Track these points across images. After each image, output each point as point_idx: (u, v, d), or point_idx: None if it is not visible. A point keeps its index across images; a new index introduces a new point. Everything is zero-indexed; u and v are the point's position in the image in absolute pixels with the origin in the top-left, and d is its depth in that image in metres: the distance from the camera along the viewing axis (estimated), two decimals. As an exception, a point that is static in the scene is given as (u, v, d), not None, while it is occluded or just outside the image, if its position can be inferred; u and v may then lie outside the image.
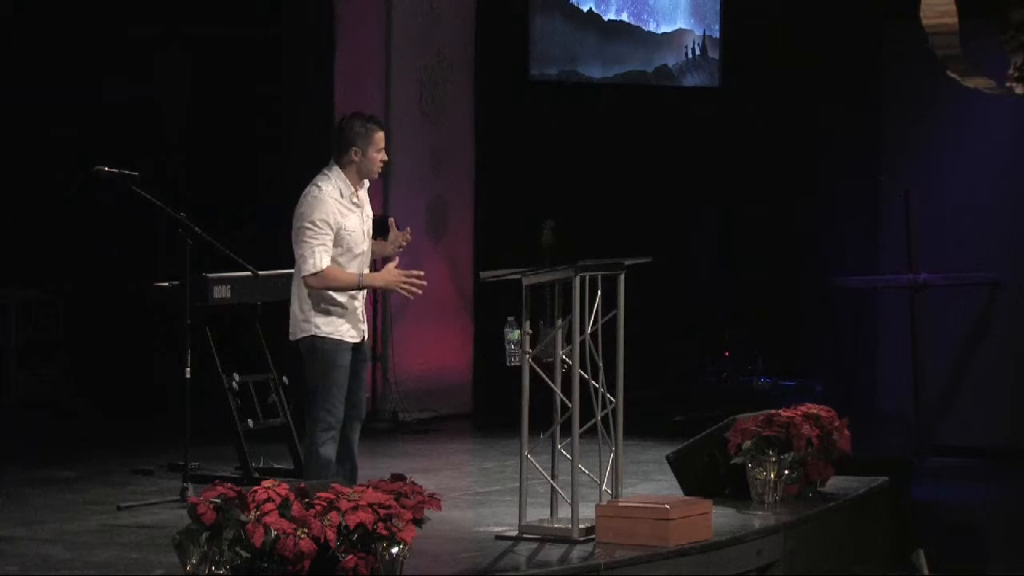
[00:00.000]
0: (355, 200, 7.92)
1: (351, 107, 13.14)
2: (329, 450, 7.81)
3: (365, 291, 7.96)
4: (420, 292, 7.92)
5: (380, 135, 7.95)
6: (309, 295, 7.82)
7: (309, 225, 7.75)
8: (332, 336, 7.82)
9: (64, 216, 12.68)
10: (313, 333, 7.81)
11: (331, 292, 7.81)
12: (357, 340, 7.90)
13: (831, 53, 14.37)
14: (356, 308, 7.89)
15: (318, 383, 7.82)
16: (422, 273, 7.89)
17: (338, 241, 7.81)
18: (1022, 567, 9.62)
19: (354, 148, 7.88)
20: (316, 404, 7.82)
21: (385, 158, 8.00)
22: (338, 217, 7.80)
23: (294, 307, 7.89)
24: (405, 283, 7.85)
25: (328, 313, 7.81)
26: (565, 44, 14.96)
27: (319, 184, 7.86)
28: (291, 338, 7.95)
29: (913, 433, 13.03)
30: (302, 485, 6.19)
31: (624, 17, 15.22)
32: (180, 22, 13.18)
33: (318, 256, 7.71)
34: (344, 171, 7.90)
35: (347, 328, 7.86)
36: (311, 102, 13.33)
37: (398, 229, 11.73)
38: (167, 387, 9.83)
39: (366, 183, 8.04)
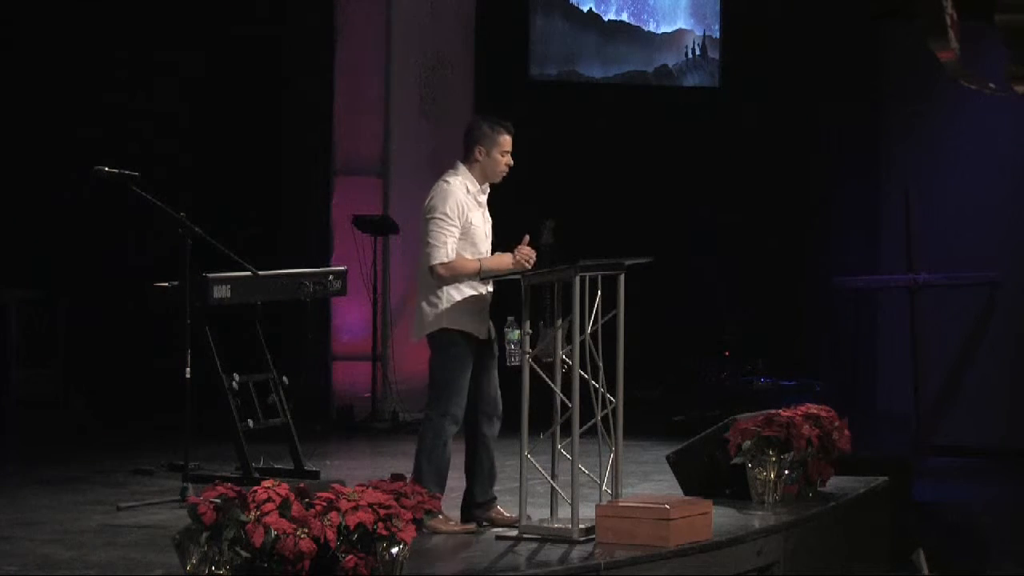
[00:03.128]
0: (479, 199, 7.94)
1: (351, 107, 13.26)
2: (450, 448, 7.82)
3: (491, 290, 7.87)
4: (530, 265, 7.83)
5: (506, 138, 7.92)
6: (437, 289, 7.80)
7: (440, 217, 7.77)
8: (460, 330, 7.81)
9: (64, 216, 12.68)
10: (443, 327, 7.80)
11: (458, 286, 7.79)
12: (483, 336, 7.87)
13: (831, 53, 14.39)
14: (482, 304, 7.87)
15: (445, 377, 7.81)
16: (531, 250, 7.82)
17: (464, 234, 7.83)
18: (1022, 567, 9.62)
19: (479, 147, 7.90)
20: (442, 398, 7.81)
21: (511, 162, 7.95)
22: (465, 210, 7.83)
23: (421, 304, 7.86)
24: (518, 259, 7.78)
25: (456, 307, 7.81)
26: (565, 44, 14.97)
27: (447, 179, 7.91)
28: (415, 337, 7.92)
29: (913, 433, 13.04)
30: (302, 485, 6.19)
31: (624, 17, 15.23)
32: (180, 21, 13.17)
33: (449, 247, 7.75)
34: (470, 170, 7.92)
35: (473, 323, 7.84)
36: (311, 102, 13.34)
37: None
38: (167, 387, 9.82)
39: (487, 187, 8.02)
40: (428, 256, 7.76)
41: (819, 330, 14.84)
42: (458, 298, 7.82)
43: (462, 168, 7.93)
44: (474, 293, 7.82)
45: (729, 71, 15.41)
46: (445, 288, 7.80)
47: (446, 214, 7.78)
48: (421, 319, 7.87)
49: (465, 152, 7.95)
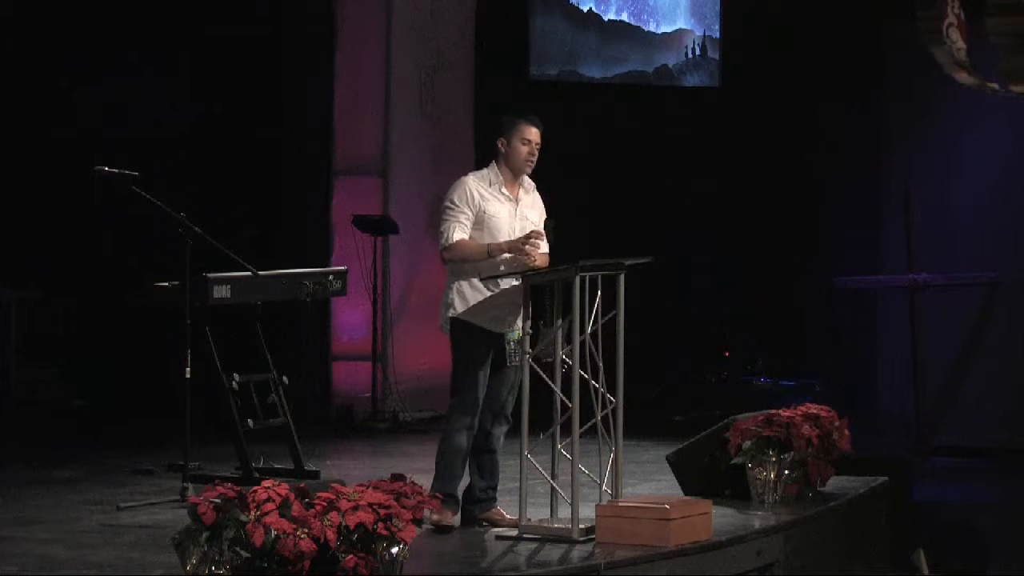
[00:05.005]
0: (505, 191, 7.94)
1: (351, 107, 13.26)
2: (462, 439, 7.84)
3: (520, 285, 7.73)
4: (540, 249, 7.79)
5: (528, 128, 7.94)
6: (452, 282, 7.87)
7: (448, 204, 7.89)
8: (467, 320, 7.83)
9: (64, 216, 12.68)
10: (452, 317, 7.86)
11: (472, 280, 7.80)
12: (496, 331, 7.85)
13: (831, 53, 14.38)
14: (499, 300, 7.82)
15: (456, 369, 7.88)
16: (542, 232, 7.79)
17: (479, 223, 7.86)
18: (1022, 567, 9.62)
19: (501, 139, 7.96)
20: (453, 388, 7.89)
21: (534, 152, 7.95)
22: (479, 199, 7.87)
23: (443, 296, 7.97)
24: (525, 243, 7.74)
25: (465, 297, 7.85)
26: (565, 44, 14.97)
27: (468, 173, 8.02)
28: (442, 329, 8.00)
29: (913, 433, 13.03)
30: (302, 485, 6.19)
31: (624, 17, 15.22)
32: (180, 21, 13.17)
33: (451, 231, 7.82)
34: (497, 165, 7.97)
35: (485, 318, 7.84)
36: (311, 102, 13.34)
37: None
38: (167, 387, 9.82)
39: (528, 184, 8.04)
40: (438, 244, 7.88)
41: (819, 330, 14.83)
42: (469, 290, 7.84)
43: (491, 163, 8.00)
44: (483, 284, 7.82)
45: (729, 71, 15.40)
46: (459, 281, 7.84)
47: (453, 202, 7.87)
48: (441, 310, 7.95)
49: (492, 148, 7.99)
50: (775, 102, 14.77)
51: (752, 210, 14.90)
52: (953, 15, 10.09)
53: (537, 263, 7.76)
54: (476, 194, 7.87)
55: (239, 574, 5.92)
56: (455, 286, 7.88)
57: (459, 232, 7.81)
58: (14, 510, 8.45)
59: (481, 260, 7.81)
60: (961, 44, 10.32)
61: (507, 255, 7.81)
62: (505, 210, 7.91)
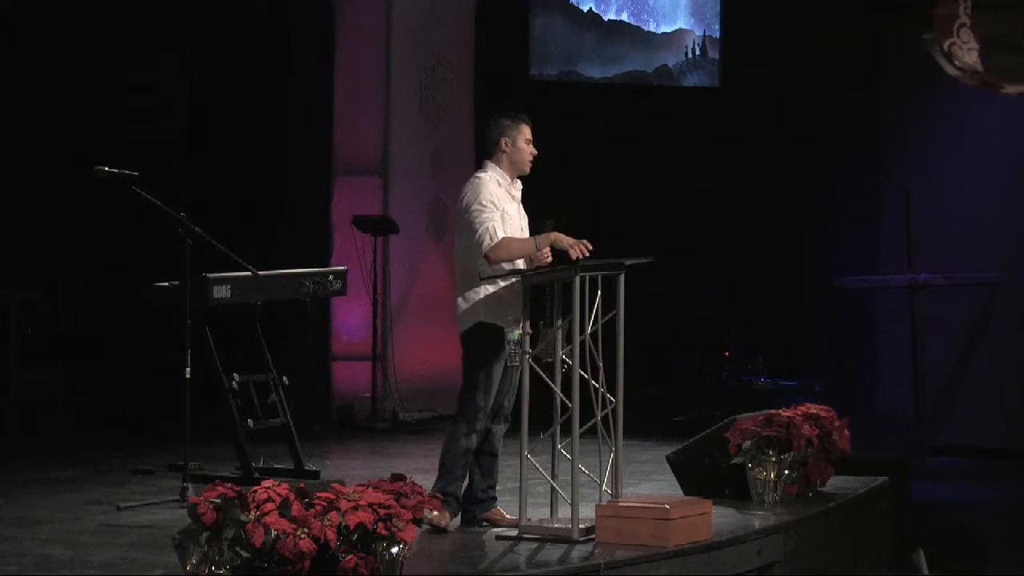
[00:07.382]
0: (511, 192, 7.95)
1: (351, 107, 13.27)
2: (468, 441, 7.83)
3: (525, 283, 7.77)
4: (587, 255, 7.75)
5: (527, 127, 7.99)
6: (468, 283, 7.80)
7: (478, 206, 7.79)
8: (494, 323, 7.80)
9: (64, 216, 12.68)
10: (479, 321, 7.80)
11: (497, 281, 7.75)
12: (509, 328, 7.82)
13: (831, 53, 14.39)
14: (515, 299, 7.79)
15: (477, 372, 7.80)
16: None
17: (501, 225, 7.84)
18: (1022, 567, 9.61)
19: (504, 139, 7.94)
20: (466, 389, 7.84)
21: (535, 151, 7.98)
22: (501, 200, 7.85)
23: (458, 300, 7.88)
24: (576, 244, 7.71)
25: (491, 301, 7.81)
26: (565, 44, 14.98)
27: (478, 174, 7.96)
28: (460, 331, 7.90)
29: (913, 433, 13.03)
30: (302, 485, 6.19)
31: (624, 17, 15.23)
32: (180, 21, 13.17)
33: (495, 229, 7.74)
34: (499, 165, 7.96)
35: (505, 317, 7.80)
36: (311, 102, 13.34)
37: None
38: (167, 387, 9.82)
39: (519, 183, 8.04)
40: (479, 246, 7.74)
41: (819, 330, 14.84)
42: (493, 291, 7.80)
43: (491, 165, 7.96)
44: (506, 284, 7.80)
45: (729, 71, 15.41)
46: (482, 285, 7.78)
47: (481, 202, 7.80)
48: (459, 315, 7.88)
49: (491, 149, 7.98)
50: (775, 102, 14.78)
51: (752, 210, 14.91)
52: (965, 15, 10.05)
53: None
54: (497, 195, 7.86)
55: (239, 574, 5.92)
56: (480, 289, 7.83)
57: (500, 230, 7.76)
58: (14, 510, 8.45)
59: (525, 256, 7.79)
60: (973, 44, 10.28)
61: (551, 241, 7.79)
62: (514, 209, 7.94)
